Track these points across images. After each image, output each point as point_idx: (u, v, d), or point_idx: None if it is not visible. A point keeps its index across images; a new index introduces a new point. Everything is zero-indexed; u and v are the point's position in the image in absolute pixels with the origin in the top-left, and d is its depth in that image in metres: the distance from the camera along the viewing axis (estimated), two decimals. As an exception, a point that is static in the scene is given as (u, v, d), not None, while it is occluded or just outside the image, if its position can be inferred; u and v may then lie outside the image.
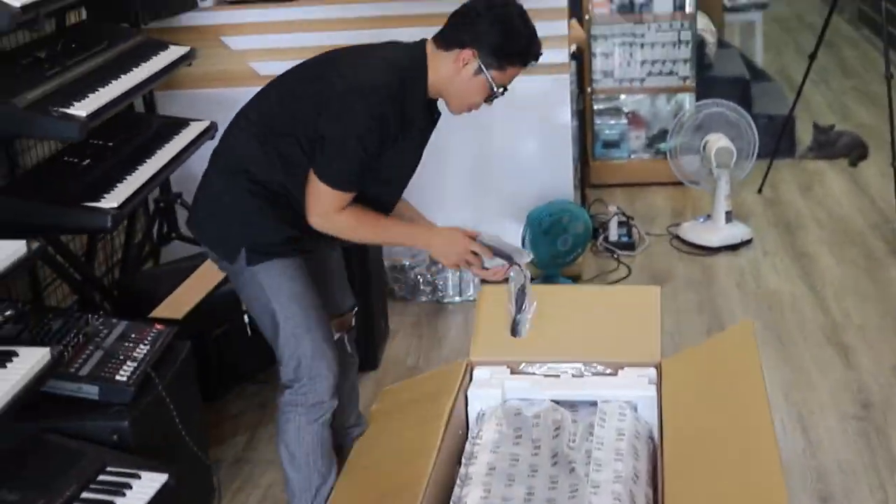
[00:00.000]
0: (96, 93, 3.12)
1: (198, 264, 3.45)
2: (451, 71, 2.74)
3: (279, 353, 2.89)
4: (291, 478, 2.94)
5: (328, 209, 2.74)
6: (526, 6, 2.80)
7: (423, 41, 2.80)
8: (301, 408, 2.90)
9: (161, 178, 3.41)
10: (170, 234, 4.31)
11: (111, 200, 3.10)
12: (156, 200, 4.24)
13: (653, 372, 3.18)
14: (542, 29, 2.90)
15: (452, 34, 2.74)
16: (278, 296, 2.82)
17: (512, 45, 2.74)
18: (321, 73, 2.79)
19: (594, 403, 3.10)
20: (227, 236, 2.82)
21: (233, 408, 3.71)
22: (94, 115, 3.00)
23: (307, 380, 2.88)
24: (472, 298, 4.46)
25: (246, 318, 3.76)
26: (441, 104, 2.90)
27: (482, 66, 2.72)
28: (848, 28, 8.94)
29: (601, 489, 2.70)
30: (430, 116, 2.87)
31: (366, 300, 3.88)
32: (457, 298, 4.49)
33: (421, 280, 4.47)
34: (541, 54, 2.81)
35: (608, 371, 3.22)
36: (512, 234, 4.51)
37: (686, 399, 3.00)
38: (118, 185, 3.21)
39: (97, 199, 3.10)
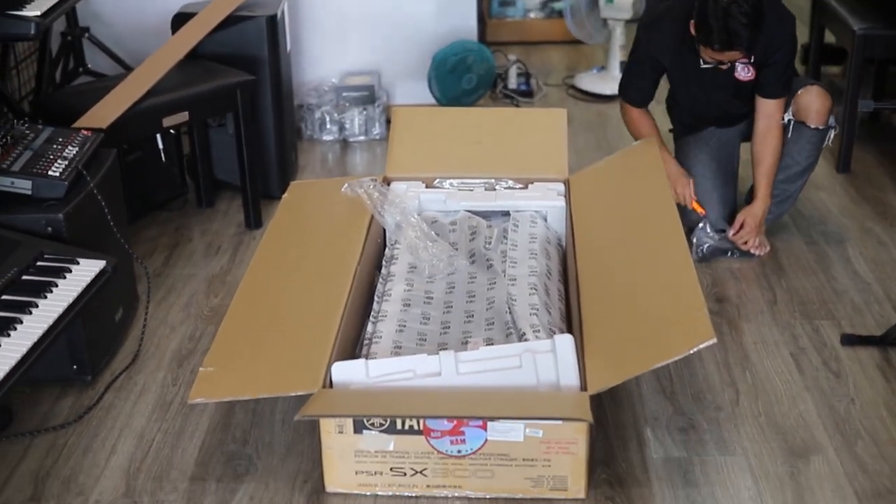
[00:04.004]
0: None
1: (113, 83, 3.46)
2: None
3: None
4: None
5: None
6: None
7: None
8: None
9: (78, -4, 3.42)
10: (77, 69, 4.30)
11: (34, 9, 3.12)
12: (62, 34, 4.22)
13: (561, 186, 3.36)
14: None
15: None
16: None
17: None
18: None
19: (507, 214, 3.26)
20: None
21: (148, 233, 3.77)
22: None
23: None
24: (377, 137, 4.58)
25: (160, 143, 3.83)
26: None
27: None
28: None
29: (518, 282, 2.87)
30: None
31: (279, 135, 3.97)
32: (362, 137, 4.59)
33: (328, 119, 4.55)
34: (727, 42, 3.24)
35: (518, 186, 3.39)
36: (418, 74, 4.64)
37: (596, 207, 3.18)
38: (38, -4, 3.23)
39: (19, 8, 3.11)
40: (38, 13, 3.11)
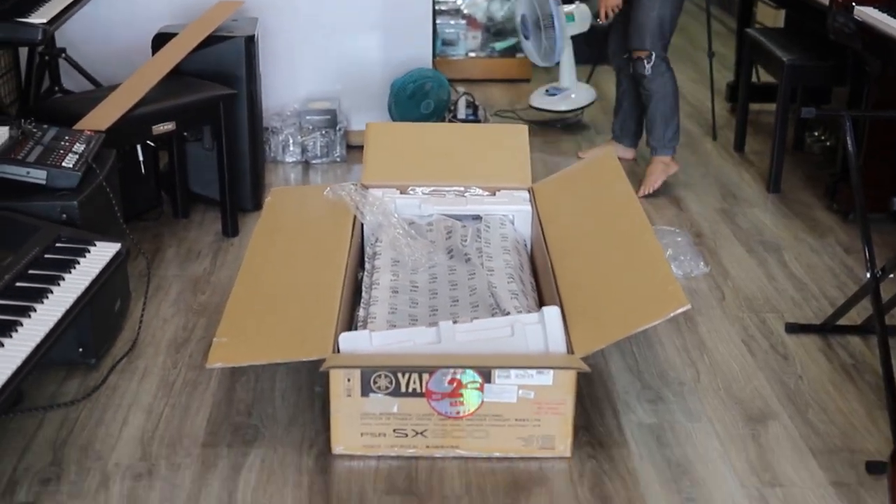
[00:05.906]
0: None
1: (103, 94, 3.65)
2: None
3: None
4: None
5: None
6: None
7: None
8: None
9: (77, 9, 3.62)
10: (52, 88, 4.47)
11: (40, 17, 3.32)
12: (40, 54, 4.39)
13: (526, 193, 3.63)
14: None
15: None
16: None
17: None
18: None
19: (477, 217, 3.52)
20: None
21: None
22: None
23: None
24: (338, 159, 4.81)
25: (140, 155, 4.02)
26: None
27: None
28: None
29: (496, 273, 3.13)
30: None
31: (253, 149, 4.19)
32: (323, 159, 4.82)
33: (291, 141, 4.78)
34: None
35: (486, 193, 3.66)
36: (377, 101, 4.90)
37: (562, 208, 3.46)
38: (40, 7, 3.42)
39: (26, 15, 3.31)
40: (45, 20, 3.31)
